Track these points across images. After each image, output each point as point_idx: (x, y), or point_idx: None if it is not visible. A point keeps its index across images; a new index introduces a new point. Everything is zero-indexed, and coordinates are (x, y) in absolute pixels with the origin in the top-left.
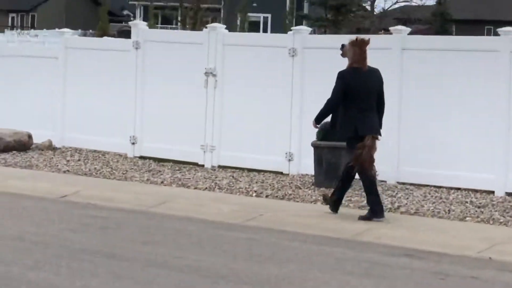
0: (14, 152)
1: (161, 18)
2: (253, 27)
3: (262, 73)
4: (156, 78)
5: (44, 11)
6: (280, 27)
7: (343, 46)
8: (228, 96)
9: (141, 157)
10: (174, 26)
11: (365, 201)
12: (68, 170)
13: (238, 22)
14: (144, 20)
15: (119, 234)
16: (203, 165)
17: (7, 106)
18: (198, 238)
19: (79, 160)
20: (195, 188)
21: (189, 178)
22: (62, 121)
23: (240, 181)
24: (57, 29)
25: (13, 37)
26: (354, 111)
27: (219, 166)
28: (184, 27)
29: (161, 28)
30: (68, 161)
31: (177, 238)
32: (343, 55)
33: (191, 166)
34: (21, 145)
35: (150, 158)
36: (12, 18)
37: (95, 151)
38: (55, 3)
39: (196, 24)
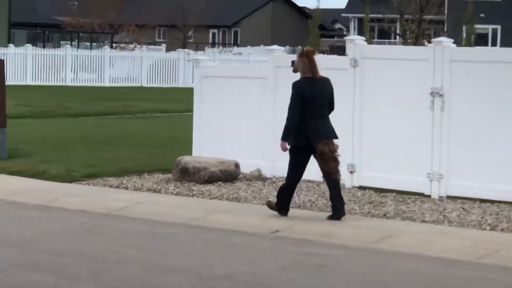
0: (219, 183)
1: (378, 31)
2: (480, 40)
3: (495, 93)
4: (374, 100)
5: (247, 26)
6: (511, 39)
7: (292, 62)
8: (455, 119)
9: (360, 187)
10: (392, 40)
11: None
12: None
13: (464, 35)
14: (358, 33)
15: (337, 274)
16: (429, 196)
17: (211, 133)
18: (427, 277)
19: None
20: (421, 221)
21: (414, 210)
22: (272, 149)
23: (472, 213)
24: (262, 46)
25: (215, 55)
26: (308, 120)
27: (448, 197)
28: (405, 42)
29: (377, 43)
30: None
31: (404, 278)
32: (294, 70)
33: (416, 196)
34: (228, 175)
35: (370, 188)
36: (213, 34)
37: (309, 181)
38: (260, 17)
39: (419, 38)
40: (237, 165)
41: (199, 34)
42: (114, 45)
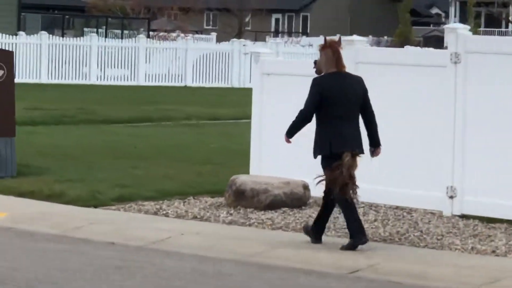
0: (284, 209)
1: (485, 18)
2: None
3: None
4: (482, 105)
5: (319, 10)
6: None
7: (315, 62)
8: None
9: (463, 216)
10: (503, 29)
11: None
12: None
13: None
14: (460, 21)
15: None
16: None
17: (274, 145)
18: None
19: (375, 220)
20: None
21: None
22: None
23: None
24: (339, 36)
25: (278, 47)
26: (330, 124)
27: None
28: None
29: (484, 32)
30: None
31: None
32: (317, 72)
33: None
34: (294, 199)
35: (475, 217)
36: (276, 20)
37: (397, 207)
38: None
39: None
40: (306, 187)
41: (258, 21)
42: (151, 33)
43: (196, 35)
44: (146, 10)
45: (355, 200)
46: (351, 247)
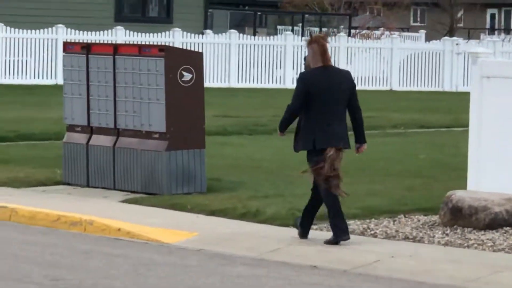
0: (506, 229)
1: None
2: None
3: None
4: None
5: None
6: None
7: (305, 59)
8: None
9: None
10: None
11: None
12: None
13: None
14: None
15: None
16: None
17: (496, 157)
18: None
19: None
20: None
21: None
22: None
23: None
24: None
25: (495, 45)
26: (315, 119)
27: None
28: None
29: None
30: None
31: None
32: (306, 67)
33: None
34: None
35: None
36: (492, 15)
37: None
38: None
39: None
40: None
41: (471, 16)
42: (352, 31)
43: (403, 33)
44: (346, 5)
45: (340, 194)
46: (333, 242)
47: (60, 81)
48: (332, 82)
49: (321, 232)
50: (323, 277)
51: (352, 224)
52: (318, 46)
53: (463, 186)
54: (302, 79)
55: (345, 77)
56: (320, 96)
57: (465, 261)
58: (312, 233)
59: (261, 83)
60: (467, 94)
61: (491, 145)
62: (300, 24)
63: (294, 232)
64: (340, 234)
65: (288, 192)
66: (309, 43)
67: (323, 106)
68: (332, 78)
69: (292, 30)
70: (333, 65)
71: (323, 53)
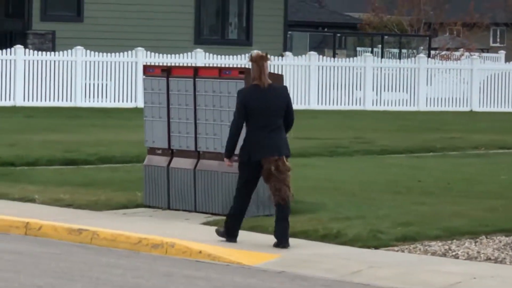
0: None
1: None
2: None
3: None
4: None
5: None
6: None
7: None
8: None
9: None
10: None
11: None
12: None
13: None
14: None
15: None
16: None
17: None
18: None
19: None
20: None
21: None
22: None
23: None
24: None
25: None
26: (253, 132)
27: None
28: None
29: None
30: None
31: None
32: (247, 83)
33: None
34: None
35: None
36: None
37: None
38: None
39: None
40: None
41: None
42: (432, 52)
43: (483, 54)
44: (426, 26)
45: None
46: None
47: (139, 104)
48: (267, 99)
49: (401, 253)
50: None
51: (434, 245)
52: (256, 66)
53: None
54: (239, 95)
55: (281, 93)
56: (255, 112)
57: None
58: (390, 255)
59: (340, 104)
60: None
61: None
62: (380, 46)
63: (375, 253)
64: (280, 241)
65: (370, 214)
66: (250, 61)
67: (259, 120)
68: (267, 95)
69: (372, 52)
70: (270, 82)
71: (259, 73)
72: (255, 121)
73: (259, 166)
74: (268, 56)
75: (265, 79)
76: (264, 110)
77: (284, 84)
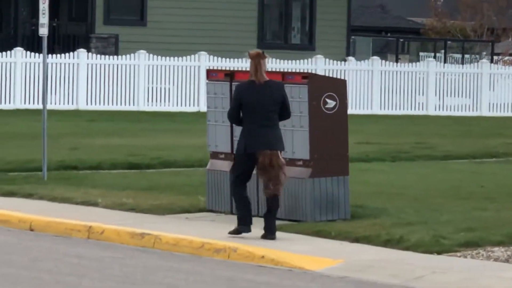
0: None
1: None
2: None
3: None
4: None
5: None
6: None
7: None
8: None
9: None
10: None
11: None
12: None
13: None
14: None
15: None
16: None
17: None
18: None
19: None
20: None
21: None
22: None
23: None
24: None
25: None
26: (247, 127)
27: None
28: None
29: None
30: None
31: None
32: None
33: None
34: None
35: None
36: None
37: None
38: None
39: None
40: None
41: None
42: (495, 58)
43: None
44: (489, 31)
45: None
46: (264, 238)
47: (202, 108)
48: (262, 95)
49: (464, 259)
50: None
51: (497, 251)
52: (253, 63)
53: None
54: (236, 90)
55: (277, 90)
56: (250, 107)
57: None
58: (452, 261)
59: (403, 109)
60: None
61: None
62: (443, 51)
63: (438, 259)
64: (269, 232)
65: (432, 219)
66: (249, 57)
67: (253, 115)
68: (262, 91)
69: (435, 57)
70: (267, 79)
71: (255, 69)
72: (249, 116)
73: (254, 159)
74: (265, 54)
75: (260, 75)
76: (257, 106)
77: (342, 89)
